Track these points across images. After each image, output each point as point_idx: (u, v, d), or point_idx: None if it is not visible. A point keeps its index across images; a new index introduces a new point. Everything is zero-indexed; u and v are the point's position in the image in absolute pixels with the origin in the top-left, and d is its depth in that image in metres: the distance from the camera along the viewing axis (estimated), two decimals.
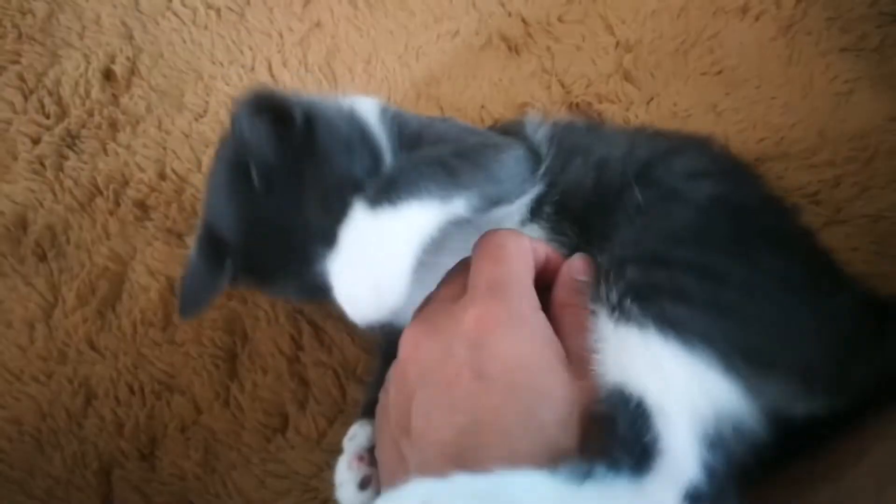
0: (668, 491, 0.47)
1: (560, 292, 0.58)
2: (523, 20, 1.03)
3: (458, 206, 0.57)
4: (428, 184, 0.55)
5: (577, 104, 0.97)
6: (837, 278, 0.66)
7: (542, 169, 0.69)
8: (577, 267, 0.60)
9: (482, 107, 0.97)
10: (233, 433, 0.78)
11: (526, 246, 0.58)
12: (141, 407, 0.79)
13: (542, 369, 0.51)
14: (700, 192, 0.63)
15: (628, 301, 0.52)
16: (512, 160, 0.64)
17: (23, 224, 0.89)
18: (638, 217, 0.61)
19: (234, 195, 0.64)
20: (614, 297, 0.53)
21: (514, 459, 0.47)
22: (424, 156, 0.60)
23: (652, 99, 0.97)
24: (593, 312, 0.54)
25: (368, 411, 0.67)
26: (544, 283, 0.59)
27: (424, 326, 0.55)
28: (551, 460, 0.48)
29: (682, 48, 1.00)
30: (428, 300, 0.60)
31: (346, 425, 0.68)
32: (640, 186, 0.63)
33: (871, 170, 0.90)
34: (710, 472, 0.48)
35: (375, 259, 0.53)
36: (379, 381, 0.63)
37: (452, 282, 0.60)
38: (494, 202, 0.62)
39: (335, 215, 0.55)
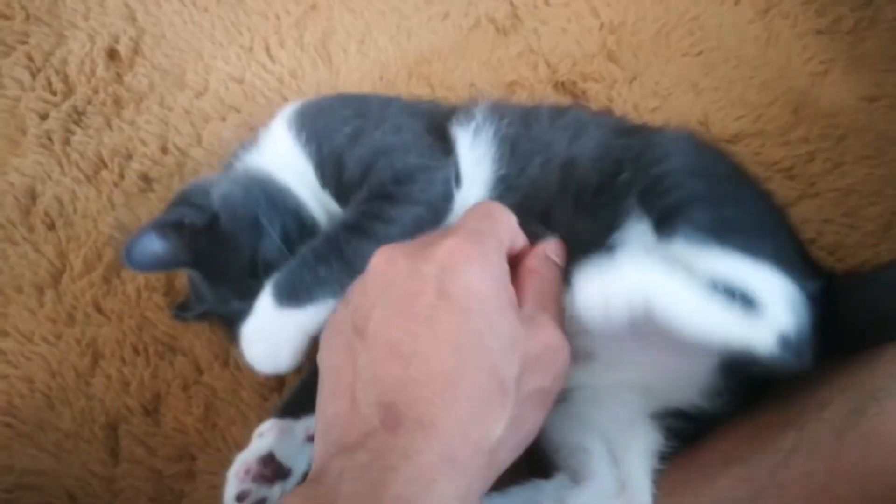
0: (770, 329, 0.58)
1: (531, 260, 0.64)
2: (511, 3, 1.07)
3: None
4: (324, 289, 0.66)
5: (563, 83, 1.02)
6: (808, 257, 0.72)
7: (495, 174, 0.73)
8: (552, 247, 0.66)
9: (471, 85, 1.01)
10: (232, 391, 0.82)
11: (513, 220, 0.65)
12: (145, 366, 0.83)
13: (496, 306, 0.57)
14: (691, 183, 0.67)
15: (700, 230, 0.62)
16: (411, 216, 0.69)
17: (32, 195, 0.93)
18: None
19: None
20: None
21: (460, 369, 0.54)
22: (322, 248, 0.68)
23: (634, 78, 1.01)
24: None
25: (286, 411, 0.71)
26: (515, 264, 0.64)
27: (401, 249, 0.60)
28: (492, 381, 0.54)
29: (663, 30, 1.04)
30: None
31: None
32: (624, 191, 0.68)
33: (843, 146, 0.95)
34: (798, 330, 0.59)
35: (273, 342, 0.68)
36: (307, 386, 0.69)
37: (434, 233, 0.65)
38: None
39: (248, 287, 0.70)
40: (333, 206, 0.77)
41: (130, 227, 0.90)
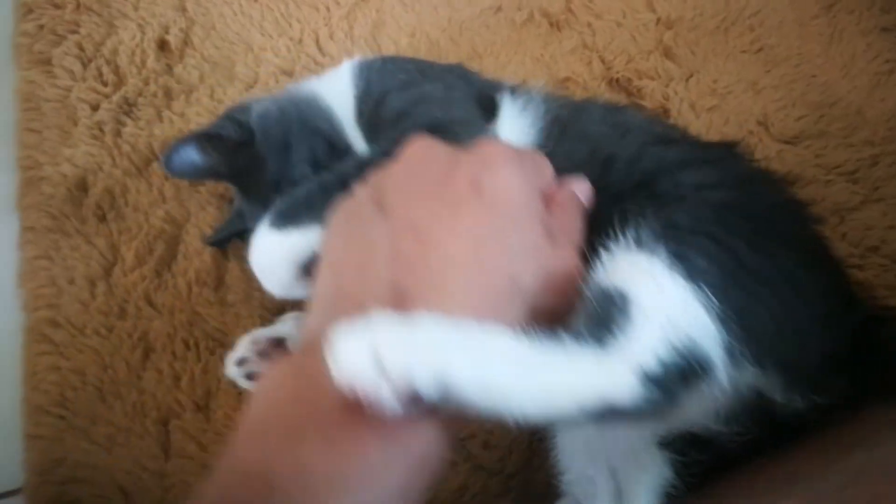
0: (626, 366, 0.49)
1: (558, 194, 0.61)
2: None
3: None
4: (313, 214, 0.66)
5: (618, 80, 0.99)
6: (847, 292, 0.67)
7: (540, 150, 0.69)
8: (581, 186, 0.63)
9: (524, 81, 0.99)
10: None
11: (547, 162, 0.62)
12: (196, 361, 0.83)
13: (525, 213, 0.55)
14: (712, 198, 0.63)
15: (647, 237, 0.55)
16: None
17: (83, 186, 0.93)
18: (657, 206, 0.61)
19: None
20: (633, 234, 0.56)
21: (477, 263, 0.51)
22: (331, 179, 0.69)
23: (691, 76, 0.99)
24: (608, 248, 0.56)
25: None
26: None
27: (435, 141, 0.59)
28: (507, 284, 0.52)
29: (722, 25, 1.02)
30: None
31: None
32: (641, 198, 0.64)
33: None
34: (666, 367, 0.50)
35: (264, 263, 0.72)
36: None
37: None
38: None
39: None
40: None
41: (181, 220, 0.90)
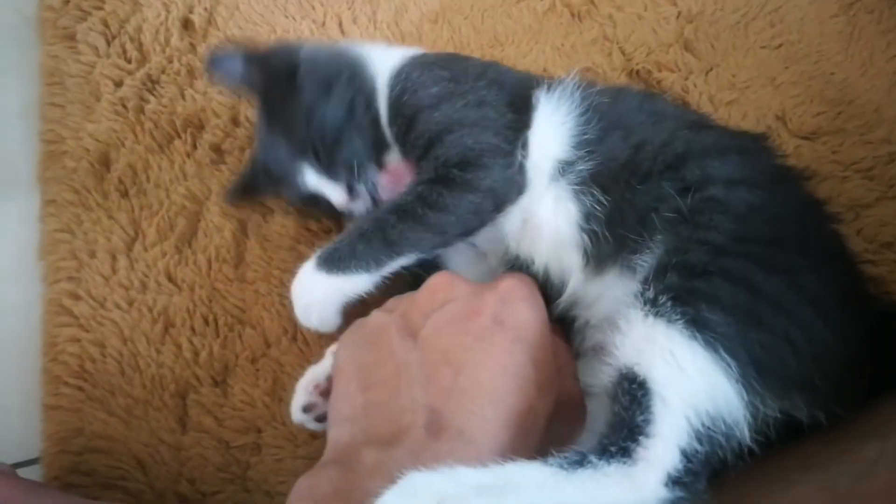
0: (653, 475, 0.53)
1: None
2: None
3: (400, 262, 0.72)
4: (359, 262, 0.71)
5: (637, 72, 1.00)
6: (862, 291, 0.68)
7: (579, 137, 0.72)
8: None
9: (544, 70, 1.00)
10: (299, 367, 0.82)
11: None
12: (215, 337, 0.84)
13: (542, 346, 0.61)
14: (738, 200, 0.64)
15: (664, 298, 0.57)
16: (467, 204, 0.70)
17: (106, 162, 0.93)
18: (681, 225, 0.63)
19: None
20: (651, 294, 0.59)
21: (505, 392, 0.57)
22: (368, 226, 0.72)
23: (711, 69, 0.99)
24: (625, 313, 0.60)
25: None
26: None
27: (461, 277, 0.66)
28: (529, 413, 0.57)
29: (743, 21, 1.02)
30: None
31: None
32: (667, 181, 0.66)
33: None
34: (690, 462, 0.53)
35: (307, 301, 0.74)
36: None
37: None
38: (446, 245, 0.74)
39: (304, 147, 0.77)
40: None
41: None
